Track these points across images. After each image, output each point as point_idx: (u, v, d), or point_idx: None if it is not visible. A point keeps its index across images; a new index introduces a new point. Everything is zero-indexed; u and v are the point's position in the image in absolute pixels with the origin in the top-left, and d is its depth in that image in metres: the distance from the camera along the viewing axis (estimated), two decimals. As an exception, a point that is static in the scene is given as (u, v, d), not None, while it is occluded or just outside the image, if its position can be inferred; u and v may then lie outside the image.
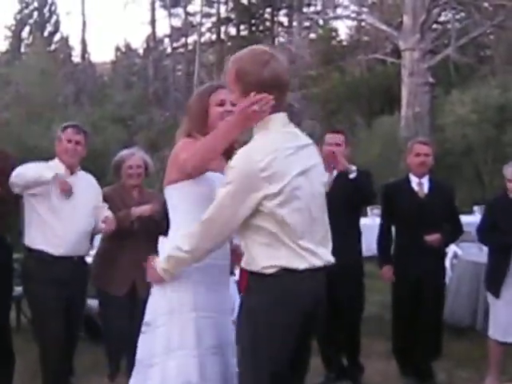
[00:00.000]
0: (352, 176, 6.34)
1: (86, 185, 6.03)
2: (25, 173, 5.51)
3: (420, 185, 6.56)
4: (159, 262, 3.75)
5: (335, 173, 6.51)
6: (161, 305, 3.87)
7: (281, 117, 3.57)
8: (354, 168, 6.36)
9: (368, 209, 13.83)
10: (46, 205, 5.68)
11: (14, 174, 5.51)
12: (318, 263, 3.52)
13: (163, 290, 3.85)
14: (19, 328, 8.41)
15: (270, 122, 3.51)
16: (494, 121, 18.88)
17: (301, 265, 3.43)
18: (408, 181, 6.64)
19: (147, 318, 3.94)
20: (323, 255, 3.58)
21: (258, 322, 3.43)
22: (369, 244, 7.09)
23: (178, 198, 3.93)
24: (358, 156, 17.76)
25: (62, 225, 5.68)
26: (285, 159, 3.40)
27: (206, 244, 3.53)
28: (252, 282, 3.53)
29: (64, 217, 5.69)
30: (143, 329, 3.95)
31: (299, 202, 3.43)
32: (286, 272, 3.41)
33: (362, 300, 6.72)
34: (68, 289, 5.73)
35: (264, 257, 3.43)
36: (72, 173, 5.88)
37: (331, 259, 3.65)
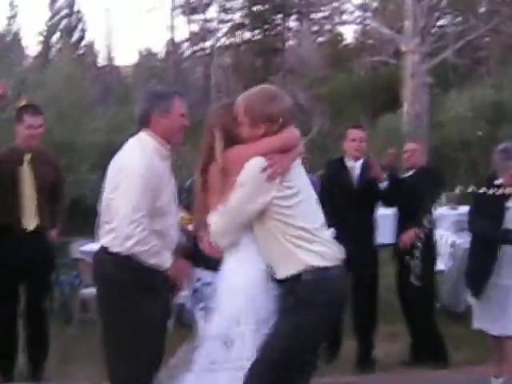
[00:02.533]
0: (382, 187, 6.43)
1: None
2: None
3: None
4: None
5: (357, 167, 6.62)
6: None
7: None
8: (385, 176, 6.44)
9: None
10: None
11: None
12: None
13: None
14: (52, 313, 8.46)
15: None
16: (489, 118, 18.86)
17: None
18: None
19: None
20: None
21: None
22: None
23: None
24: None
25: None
26: None
27: None
28: None
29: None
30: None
31: None
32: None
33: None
34: None
35: None
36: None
37: None
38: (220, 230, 3.74)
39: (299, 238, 3.64)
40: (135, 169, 4.18)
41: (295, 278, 3.63)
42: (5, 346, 6.25)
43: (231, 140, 3.84)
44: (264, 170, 3.58)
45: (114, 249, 4.27)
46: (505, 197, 5.43)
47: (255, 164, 3.61)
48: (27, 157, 6.17)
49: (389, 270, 7.24)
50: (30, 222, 6.12)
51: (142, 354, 4.42)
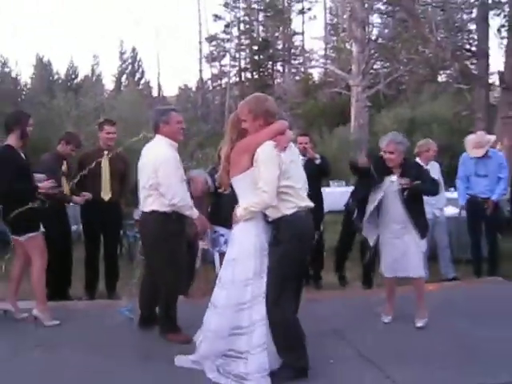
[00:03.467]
0: (317, 162, 6.44)
1: None
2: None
3: None
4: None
5: (305, 158, 6.56)
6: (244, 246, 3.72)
7: None
8: (318, 156, 6.48)
9: (330, 182, 13.94)
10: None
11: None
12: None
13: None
14: (121, 255, 8.47)
15: None
16: (407, 129, 18.77)
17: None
18: None
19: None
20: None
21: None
22: (330, 204, 7.08)
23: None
24: (325, 150, 17.84)
25: None
26: None
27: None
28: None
29: None
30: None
31: None
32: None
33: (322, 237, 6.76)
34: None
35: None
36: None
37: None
38: (269, 196, 3.57)
39: (283, 193, 3.65)
40: (169, 156, 4.39)
41: (279, 219, 3.67)
42: (90, 276, 6.33)
43: (241, 130, 3.83)
44: (274, 146, 3.62)
45: (163, 208, 4.38)
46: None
47: (267, 146, 3.63)
48: (105, 154, 6.20)
49: (338, 227, 7.16)
50: (106, 195, 6.18)
51: (179, 276, 4.64)
